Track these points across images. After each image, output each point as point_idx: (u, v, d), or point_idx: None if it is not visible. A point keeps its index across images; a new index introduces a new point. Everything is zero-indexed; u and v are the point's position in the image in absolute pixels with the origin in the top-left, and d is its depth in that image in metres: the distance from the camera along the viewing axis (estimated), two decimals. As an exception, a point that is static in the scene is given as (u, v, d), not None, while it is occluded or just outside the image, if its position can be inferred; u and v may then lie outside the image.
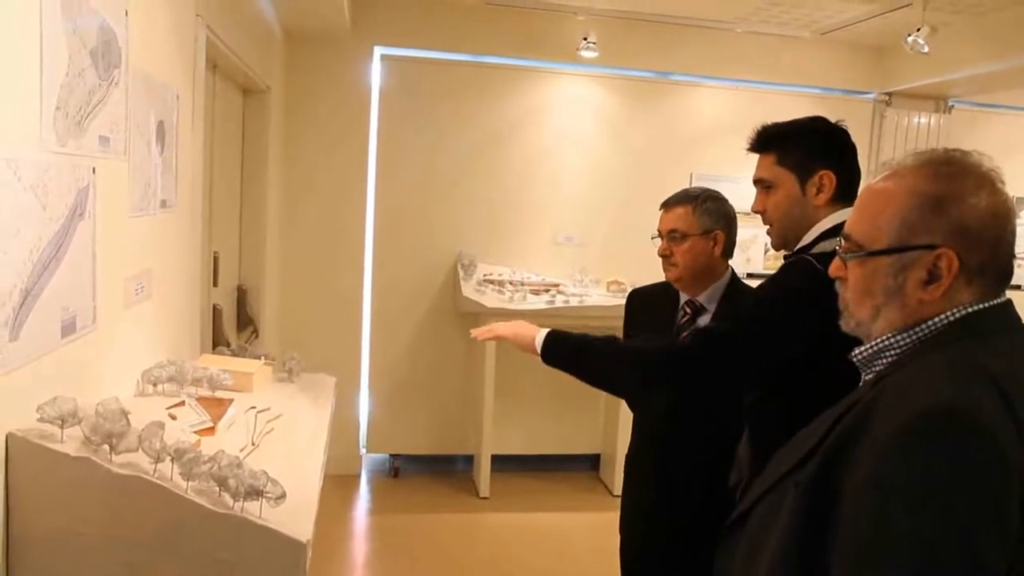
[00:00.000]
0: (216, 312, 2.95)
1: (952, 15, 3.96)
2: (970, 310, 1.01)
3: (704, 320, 2.03)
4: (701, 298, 2.05)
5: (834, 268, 1.15)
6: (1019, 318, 1.05)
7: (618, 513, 2.23)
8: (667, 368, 1.58)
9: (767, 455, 1.20)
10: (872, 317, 1.08)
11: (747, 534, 1.13)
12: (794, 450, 1.08)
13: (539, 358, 1.70)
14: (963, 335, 1.01)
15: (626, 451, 2.24)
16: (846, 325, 1.14)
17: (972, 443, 0.88)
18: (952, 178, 1.03)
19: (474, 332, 1.86)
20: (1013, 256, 1.04)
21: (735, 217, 2.08)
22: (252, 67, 3.10)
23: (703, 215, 2.02)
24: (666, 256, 2.05)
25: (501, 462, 4.35)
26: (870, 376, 1.09)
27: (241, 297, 3.51)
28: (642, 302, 2.25)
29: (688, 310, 2.07)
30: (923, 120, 4.88)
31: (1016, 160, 4.77)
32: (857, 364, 1.12)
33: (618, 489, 3.15)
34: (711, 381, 1.56)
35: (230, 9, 2.69)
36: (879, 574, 0.89)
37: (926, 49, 3.73)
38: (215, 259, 2.98)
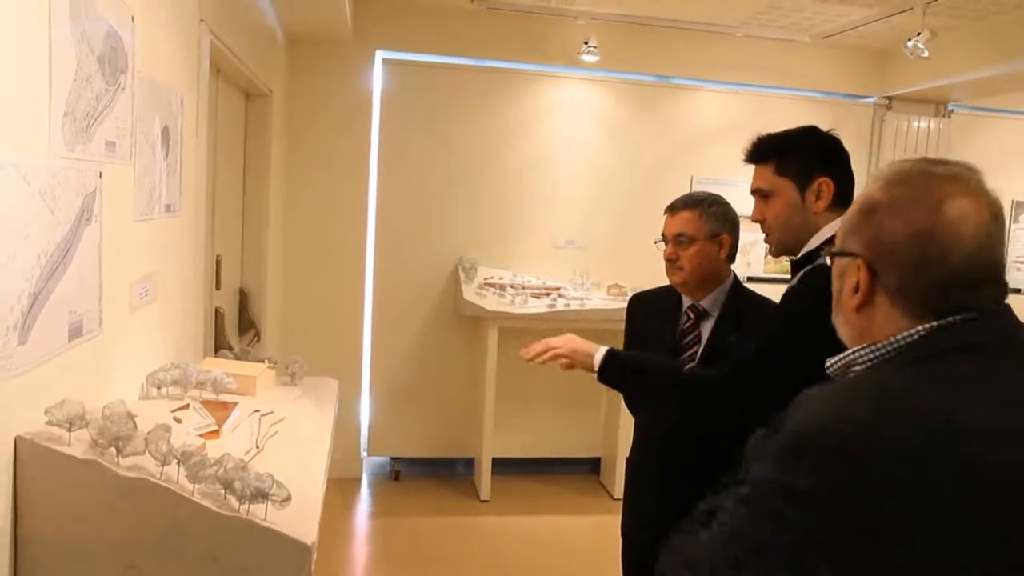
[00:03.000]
0: (218, 315, 2.96)
1: (952, 19, 3.98)
2: (909, 338, 0.94)
3: (707, 325, 2.04)
4: (704, 303, 2.06)
5: None
6: (969, 343, 0.91)
7: (619, 516, 2.24)
8: (710, 396, 1.63)
9: None
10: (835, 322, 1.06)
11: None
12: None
13: (594, 375, 1.75)
14: (911, 361, 0.93)
15: (627, 454, 2.25)
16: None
17: (812, 472, 0.85)
18: (894, 188, 0.96)
19: (526, 352, 1.80)
20: (955, 287, 0.92)
21: (738, 221, 2.09)
22: (255, 71, 3.11)
23: (710, 219, 2.03)
24: (672, 260, 2.05)
25: (502, 465, 4.35)
26: None
27: (243, 300, 3.51)
28: (644, 306, 2.25)
29: (691, 314, 2.07)
30: (923, 124, 4.88)
31: (1015, 164, 4.80)
32: (832, 376, 1.06)
33: (619, 492, 3.16)
34: (754, 406, 1.56)
35: (233, 14, 2.70)
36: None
37: (926, 53, 3.75)
38: (217, 262, 2.99)
